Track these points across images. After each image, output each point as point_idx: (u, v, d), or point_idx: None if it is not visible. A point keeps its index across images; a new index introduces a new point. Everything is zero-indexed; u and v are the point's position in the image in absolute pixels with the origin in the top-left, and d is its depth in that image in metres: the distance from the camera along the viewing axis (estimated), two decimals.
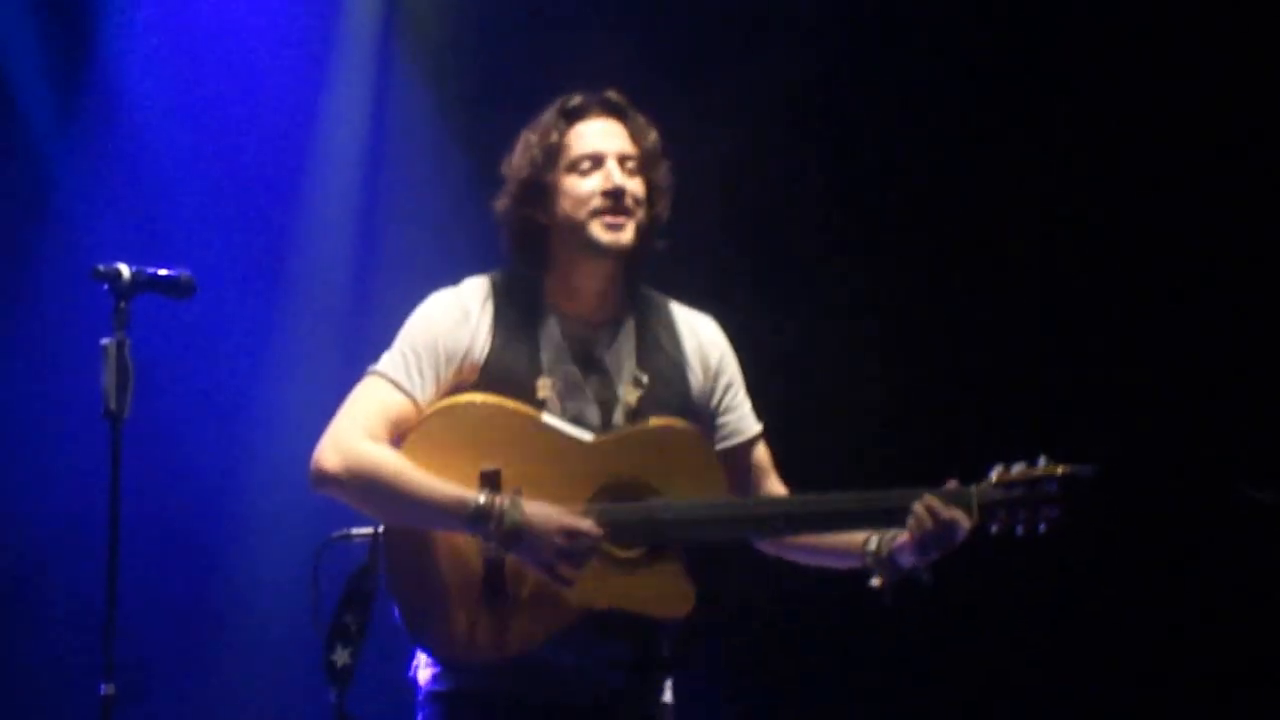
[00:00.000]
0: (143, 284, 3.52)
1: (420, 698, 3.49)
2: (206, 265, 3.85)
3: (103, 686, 3.41)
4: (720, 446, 3.60)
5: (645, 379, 3.51)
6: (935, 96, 5.44)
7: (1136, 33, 5.33)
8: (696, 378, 3.59)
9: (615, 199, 3.48)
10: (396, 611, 3.41)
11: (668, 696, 3.56)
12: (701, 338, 3.63)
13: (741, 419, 3.64)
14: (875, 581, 3.48)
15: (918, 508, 3.38)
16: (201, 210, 5.51)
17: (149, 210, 5.48)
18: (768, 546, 3.64)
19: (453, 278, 3.62)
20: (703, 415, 3.59)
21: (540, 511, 3.32)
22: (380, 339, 3.55)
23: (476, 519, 3.32)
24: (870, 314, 5.48)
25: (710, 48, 5.50)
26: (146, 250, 3.75)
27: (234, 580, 5.36)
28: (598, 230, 3.47)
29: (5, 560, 5.42)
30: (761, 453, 3.66)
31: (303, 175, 5.63)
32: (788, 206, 5.52)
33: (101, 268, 3.50)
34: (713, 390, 3.61)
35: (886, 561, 3.46)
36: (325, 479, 3.38)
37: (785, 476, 3.68)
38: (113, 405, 3.42)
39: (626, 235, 3.49)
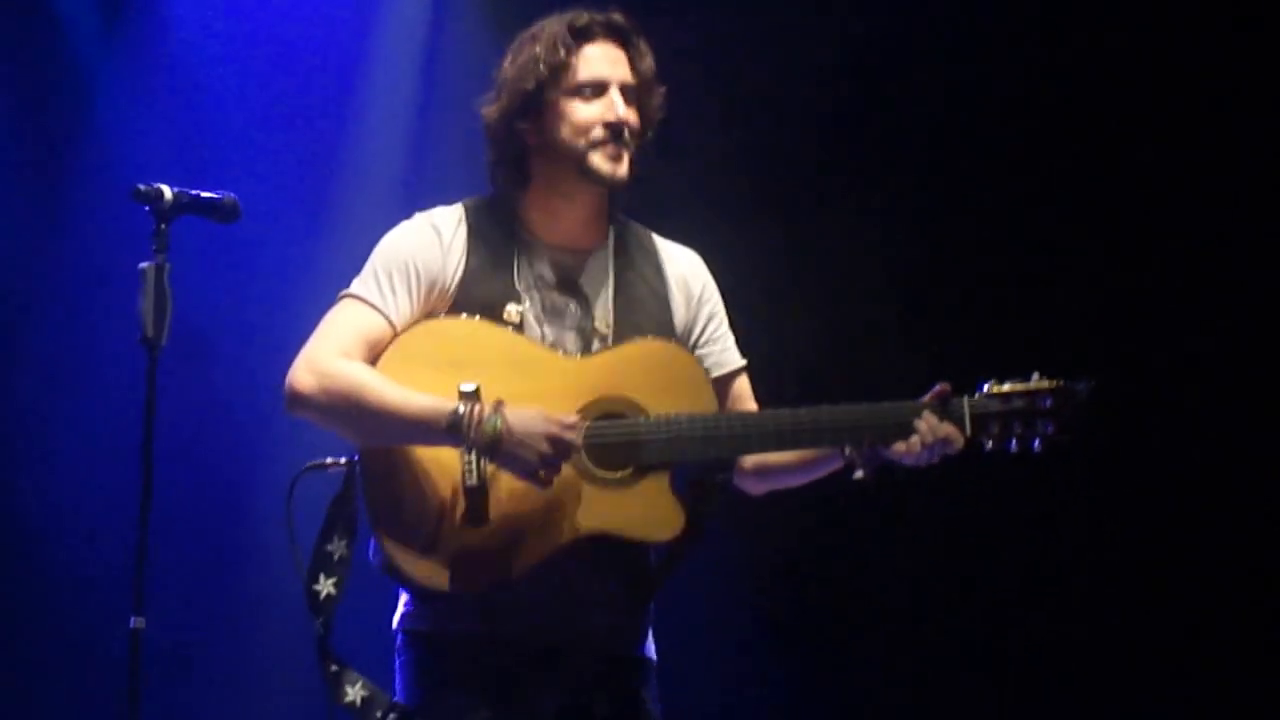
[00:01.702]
0: (185, 206, 3.44)
1: (398, 641, 3.40)
2: (252, 188, 3.77)
3: (133, 620, 3.35)
4: None
5: (625, 306, 3.45)
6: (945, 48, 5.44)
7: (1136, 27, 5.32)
8: (679, 307, 3.52)
9: (616, 132, 3.42)
10: (372, 544, 3.31)
11: (650, 651, 3.48)
12: (684, 268, 3.57)
13: (724, 351, 3.57)
14: (859, 475, 3.41)
15: (921, 425, 3.33)
16: (248, 131, 5.47)
17: (193, 130, 5.45)
18: (749, 482, 3.57)
19: None
20: (684, 346, 3.51)
21: (523, 417, 3.23)
22: None
23: (455, 426, 3.21)
24: (863, 231, 5.47)
25: None
26: (190, 171, 3.66)
27: (269, 517, 5.27)
28: (598, 160, 3.41)
29: (38, 486, 5.38)
30: (743, 386, 3.59)
31: (352, 97, 5.57)
32: (791, 140, 5.52)
33: (143, 188, 3.42)
34: (694, 320, 3.54)
35: (870, 456, 3.38)
36: (299, 399, 3.29)
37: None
38: (150, 331, 3.35)
39: (623, 169, 3.43)
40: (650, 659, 3.47)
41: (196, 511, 5.21)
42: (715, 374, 3.52)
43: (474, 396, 3.24)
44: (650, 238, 3.58)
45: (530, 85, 3.43)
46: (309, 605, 3.30)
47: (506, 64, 3.49)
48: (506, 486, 3.27)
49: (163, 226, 3.38)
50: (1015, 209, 5.40)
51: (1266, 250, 5.25)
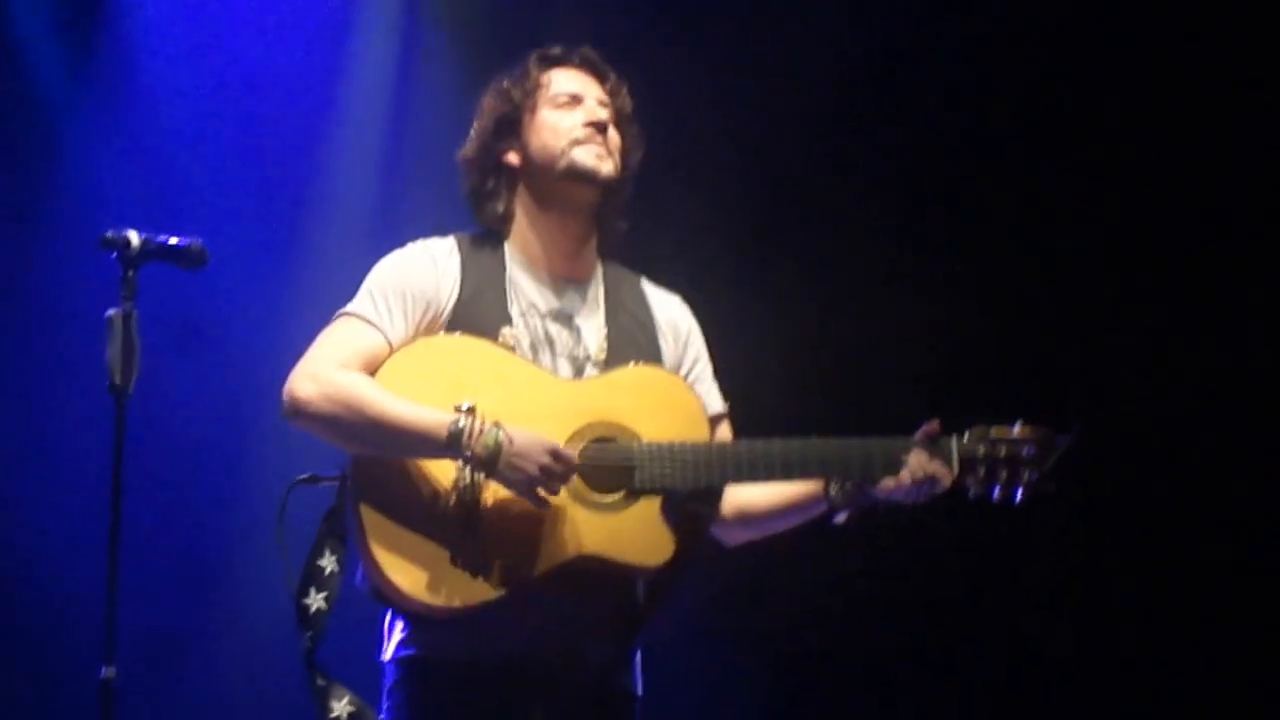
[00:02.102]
0: (152, 253, 3.42)
1: (390, 673, 3.39)
2: (219, 235, 3.75)
3: (103, 669, 3.30)
4: None
5: (615, 337, 3.47)
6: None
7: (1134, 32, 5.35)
8: (667, 345, 3.56)
9: (599, 128, 3.47)
10: (360, 568, 3.31)
11: (637, 685, 3.48)
12: (672, 311, 3.61)
13: (708, 394, 3.59)
14: (841, 519, 3.45)
15: (910, 461, 3.35)
16: (215, 177, 5.45)
17: (160, 176, 5.43)
18: (730, 532, 3.58)
19: None
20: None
21: (523, 433, 3.25)
22: None
23: (455, 438, 3.22)
24: (853, 269, 5.50)
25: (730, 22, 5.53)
26: (157, 218, 3.65)
27: (239, 560, 5.26)
28: (582, 155, 3.45)
29: (5, 535, 5.32)
30: (725, 431, 3.60)
31: (321, 142, 5.57)
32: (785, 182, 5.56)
33: (110, 234, 3.40)
34: (681, 361, 3.58)
35: (855, 495, 3.42)
36: (299, 407, 3.30)
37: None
38: (117, 379, 3.32)
39: (608, 165, 3.47)
40: (636, 693, 3.47)
41: (166, 560, 5.19)
42: None
43: (470, 414, 3.25)
44: (638, 279, 3.61)
45: (507, 108, 3.49)
46: (298, 619, 3.30)
47: (480, 105, 3.55)
48: (499, 505, 3.28)
49: (130, 273, 3.36)
50: (1010, 253, 5.41)
51: (1257, 303, 5.27)
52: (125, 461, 3.34)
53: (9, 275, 5.39)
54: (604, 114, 3.49)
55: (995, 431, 3.42)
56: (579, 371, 3.44)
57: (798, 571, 5.21)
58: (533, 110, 3.48)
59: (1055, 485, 3.40)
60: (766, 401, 3.70)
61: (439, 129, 5.46)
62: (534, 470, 3.23)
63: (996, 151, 5.42)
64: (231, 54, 5.47)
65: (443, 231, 3.55)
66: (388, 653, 3.40)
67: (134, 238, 3.38)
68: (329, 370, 3.30)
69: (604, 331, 3.48)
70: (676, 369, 3.55)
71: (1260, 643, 5.25)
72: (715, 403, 3.59)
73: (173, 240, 3.45)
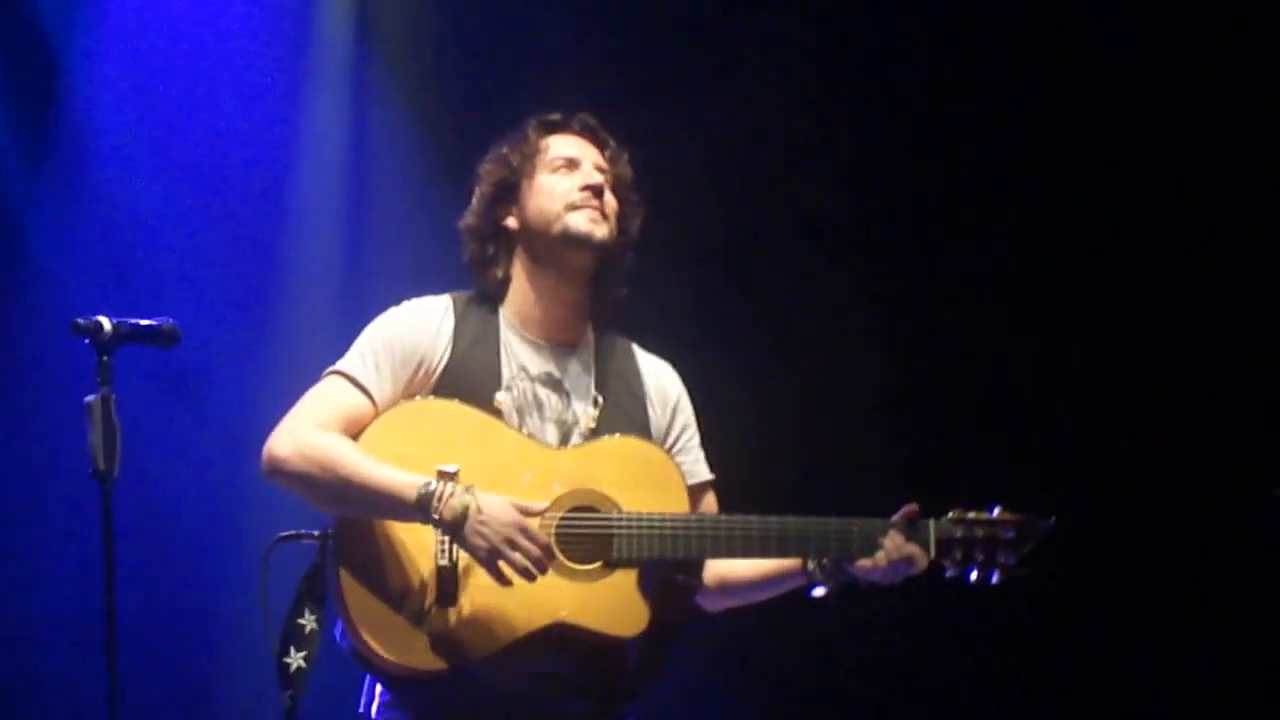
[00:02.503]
0: (125, 336, 3.44)
1: None
2: (189, 312, 3.76)
3: None
4: None
5: (604, 404, 3.49)
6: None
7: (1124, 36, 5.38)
8: (655, 411, 3.57)
9: (596, 192, 3.49)
10: (340, 625, 3.33)
11: None
12: (662, 378, 3.63)
13: (695, 462, 3.62)
14: (819, 593, 3.48)
15: (887, 543, 3.39)
16: (180, 256, 5.46)
17: (126, 259, 5.42)
18: (709, 599, 3.60)
19: None
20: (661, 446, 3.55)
21: (494, 502, 3.26)
22: None
23: (424, 501, 3.24)
24: (832, 343, 5.49)
25: (688, 68, 5.54)
26: (126, 301, 3.65)
27: (233, 636, 5.24)
28: (576, 220, 3.48)
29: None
30: (710, 501, 3.63)
31: (282, 213, 5.58)
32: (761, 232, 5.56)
33: (81, 321, 3.42)
34: (669, 428, 3.60)
35: (833, 572, 3.45)
36: (276, 465, 3.34)
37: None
38: (101, 464, 3.33)
39: (602, 230, 3.49)
40: None
41: (163, 639, 5.18)
42: (687, 483, 3.53)
43: (452, 478, 3.27)
44: (630, 345, 3.63)
45: (506, 173, 3.53)
46: (279, 678, 3.31)
47: (480, 173, 3.57)
48: (477, 570, 3.29)
49: (105, 358, 3.38)
50: (998, 333, 5.43)
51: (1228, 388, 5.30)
52: (115, 545, 3.33)
53: None
54: (600, 178, 3.51)
55: (973, 515, 3.46)
56: (565, 437, 3.46)
57: (791, 623, 5.22)
58: (531, 175, 3.51)
59: (1031, 570, 3.45)
60: (743, 463, 3.72)
61: (394, 190, 5.51)
62: (498, 541, 3.24)
63: (972, 197, 5.43)
64: (188, 133, 5.47)
65: (412, 291, 3.58)
66: (373, 710, 3.41)
67: (105, 323, 3.40)
68: (307, 430, 3.33)
69: (594, 398, 3.50)
70: (664, 436, 3.57)
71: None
72: (702, 471, 3.62)
73: (144, 322, 3.47)
